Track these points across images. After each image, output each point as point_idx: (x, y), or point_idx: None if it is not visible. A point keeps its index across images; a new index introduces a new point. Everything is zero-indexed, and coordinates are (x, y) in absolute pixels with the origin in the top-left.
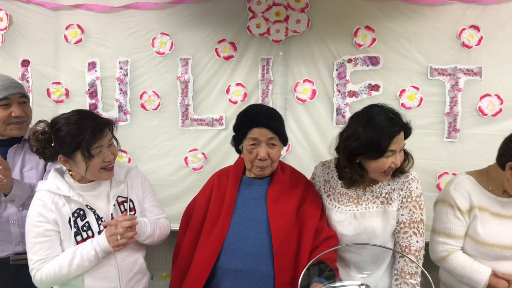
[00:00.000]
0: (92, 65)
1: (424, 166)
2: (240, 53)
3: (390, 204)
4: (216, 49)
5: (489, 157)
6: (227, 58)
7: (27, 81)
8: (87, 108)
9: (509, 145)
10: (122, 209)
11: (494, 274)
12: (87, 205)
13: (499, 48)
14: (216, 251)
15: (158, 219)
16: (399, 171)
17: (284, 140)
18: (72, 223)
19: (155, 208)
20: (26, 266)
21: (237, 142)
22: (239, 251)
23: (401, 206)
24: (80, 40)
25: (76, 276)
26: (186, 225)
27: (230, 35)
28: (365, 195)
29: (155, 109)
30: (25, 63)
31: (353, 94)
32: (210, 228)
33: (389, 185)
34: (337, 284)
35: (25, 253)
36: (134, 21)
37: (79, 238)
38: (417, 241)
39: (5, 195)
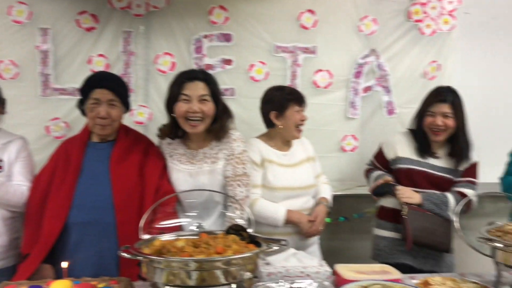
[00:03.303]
0: None
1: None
2: (102, 25)
3: (217, 162)
4: (77, 20)
5: (322, 122)
6: (89, 29)
7: None
8: None
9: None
10: None
11: (289, 211)
12: None
13: (331, 30)
14: (65, 207)
15: (19, 185)
16: (221, 132)
17: (126, 104)
18: None
19: (20, 176)
20: None
21: (81, 103)
22: (85, 205)
23: (226, 163)
24: None
25: None
26: (36, 189)
27: (91, 7)
28: (198, 156)
29: (12, 78)
30: None
31: (209, 67)
32: (58, 188)
33: (217, 146)
34: (174, 220)
35: None
36: None
37: None
38: (241, 191)
39: None
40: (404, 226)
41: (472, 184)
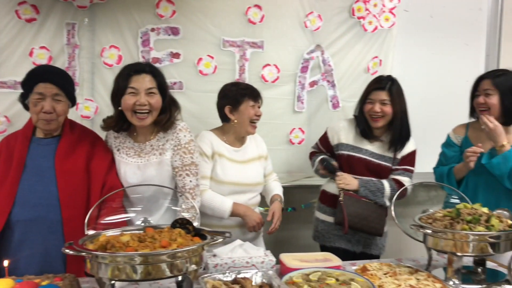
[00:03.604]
0: None
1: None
2: (43, 16)
3: (165, 153)
4: (16, 11)
5: (271, 116)
6: (29, 20)
7: None
8: None
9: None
10: None
11: (235, 203)
12: None
13: (277, 25)
14: (8, 205)
15: None
16: (168, 123)
17: (71, 99)
18: None
19: None
20: None
21: (24, 98)
22: (29, 203)
23: (173, 154)
24: None
25: None
26: None
27: None
28: (146, 148)
29: None
30: None
31: (156, 60)
32: None
33: (164, 137)
34: (122, 215)
35: None
36: None
37: None
38: (191, 181)
39: None
40: (340, 211)
41: (408, 172)
